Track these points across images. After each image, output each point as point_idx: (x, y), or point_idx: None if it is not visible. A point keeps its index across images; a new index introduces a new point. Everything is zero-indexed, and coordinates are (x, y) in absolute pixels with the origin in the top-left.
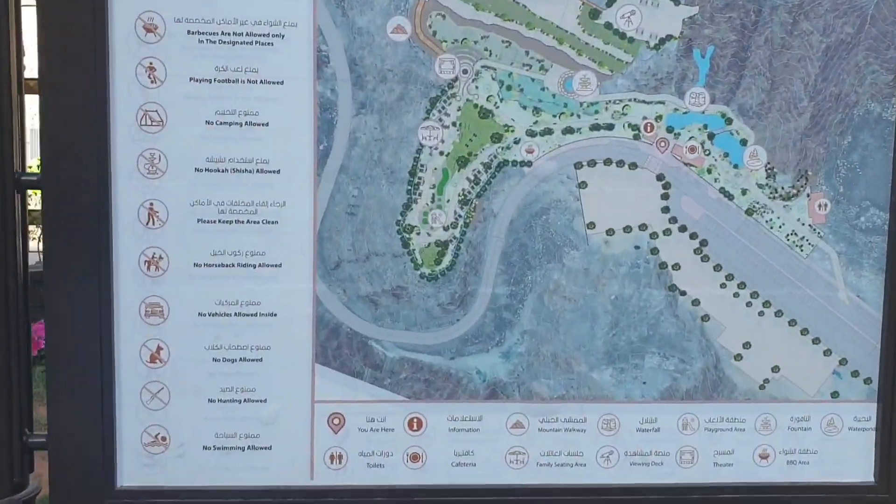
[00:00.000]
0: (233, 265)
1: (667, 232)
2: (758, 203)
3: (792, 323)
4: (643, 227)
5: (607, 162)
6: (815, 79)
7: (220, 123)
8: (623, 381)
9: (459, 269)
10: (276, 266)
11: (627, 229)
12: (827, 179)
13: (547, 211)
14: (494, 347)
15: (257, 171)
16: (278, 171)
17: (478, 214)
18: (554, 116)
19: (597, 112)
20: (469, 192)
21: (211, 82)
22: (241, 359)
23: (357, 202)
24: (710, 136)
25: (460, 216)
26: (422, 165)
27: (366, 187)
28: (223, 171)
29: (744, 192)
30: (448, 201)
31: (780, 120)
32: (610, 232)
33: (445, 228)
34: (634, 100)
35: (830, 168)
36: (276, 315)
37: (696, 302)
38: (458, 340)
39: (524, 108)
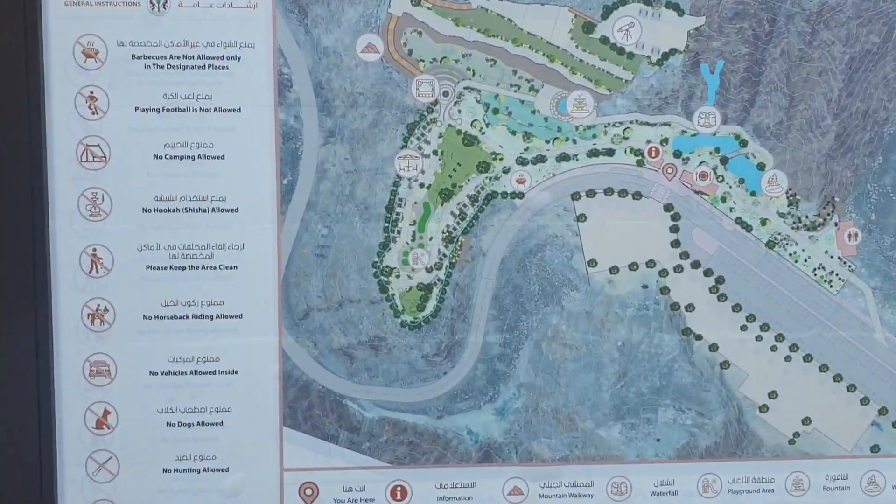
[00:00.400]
0: (187, 317)
1: (678, 269)
2: (779, 234)
3: (823, 368)
4: (651, 263)
5: (608, 191)
6: (838, 94)
7: (170, 157)
8: (634, 439)
9: (445, 316)
10: (236, 317)
11: (633, 266)
12: (857, 206)
13: (542, 248)
14: (487, 403)
15: (213, 209)
16: (236, 210)
17: (464, 253)
18: (547, 142)
19: (595, 136)
20: (454, 229)
21: (159, 112)
22: (198, 423)
23: (327, 242)
24: (723, 161)
25: (445, 256)
26: (400, 200)
27: (337, 225)
28: (174, 211)
29: (763, 222)
30: (431, 239)
31: (801, 141)
32: (614, 270)
33: (429, 270)
34: (636, 122)
35: (860, 193)
36: (237, 373)
37: (713, 347)
38: (445, 397)
39: (513, 133)
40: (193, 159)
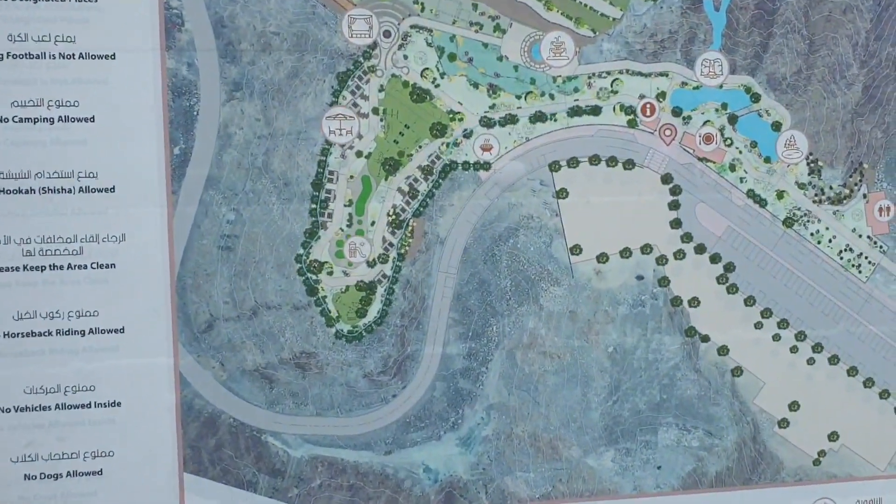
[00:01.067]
0: (50, 333)
1: (679, 255)
2: (799, 210)
3: (852, 371)
4: (647, 249)
5: (594, 160)
6: (866, 37)
7: (20, 120)
8: (630, 467)
9: (393, 323)
10: (116, 332)
11: (626, 253)
12: (888, 173)
13: (515, 232)
14: (449, 432)
15: (80, 189)
16: (112, 189)
17: (417, 242)
18: (518, 98)
19: (577, 90)
20: (403, 210)
21: (2, 58)
22: (69, 473)
23: (235, 231)
24: (732, 120)
25: (391, 245)
26: (331, 173)
27: (247, 208)
28: (27, 192)
29: (780, 195)
30: (372, 224)
31: (823, 94)
32: (602, 258)
33: (371, 264)
34: (627, 71)
35: (893, 158)
36: (119, 405)
37: (723, 350)
38: (395, 426)
39: (475, 86)
40: (52, 122)
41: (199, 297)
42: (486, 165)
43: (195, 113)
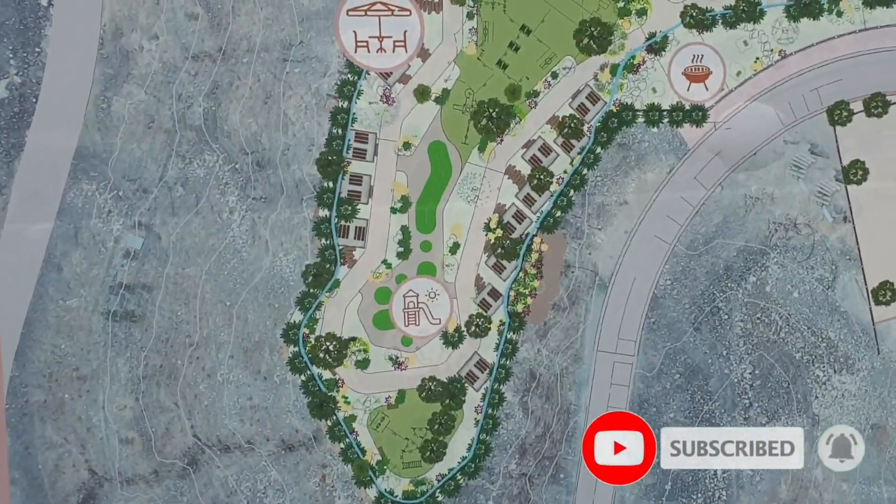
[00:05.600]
0: None
1: None
2: None
3: None
4: None
5: None
6: None
7: None
8: None
9: (503, 470)
10: None
11: None
12: None
13: (759, 258)
14: None
15: None
16: None
17: (552, 286)
18: None
19: None
20: (520, 217)
21: None
22: None
23: (144, 277)
24: None
25: (495, 298)
26: (360, 139)
27: (172, 222)
28: None
29: None
30: (454, 250)
31: None
32: None
33: (452, 340)
34: None
35: None
36: None
37: None
38: None
39: None
40: None
41: (64, 427)
42: (696, 113)
43: (43, 16)
